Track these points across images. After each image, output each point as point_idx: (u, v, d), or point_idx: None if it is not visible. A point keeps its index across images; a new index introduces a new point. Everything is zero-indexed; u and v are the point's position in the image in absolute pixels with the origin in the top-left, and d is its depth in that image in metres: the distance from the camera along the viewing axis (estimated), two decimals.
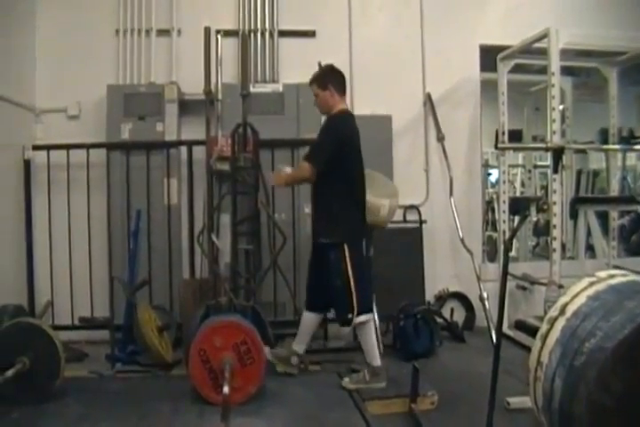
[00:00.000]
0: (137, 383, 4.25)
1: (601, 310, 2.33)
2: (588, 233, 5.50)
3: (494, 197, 7.40)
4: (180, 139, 5.37)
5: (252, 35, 5.64)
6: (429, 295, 5.61)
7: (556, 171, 4.62)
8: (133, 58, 5.59)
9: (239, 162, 4.61)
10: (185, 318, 4.82)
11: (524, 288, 5.55)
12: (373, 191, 4.32)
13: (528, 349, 3.70)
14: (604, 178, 7.27)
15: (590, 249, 5.96)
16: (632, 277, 2.56)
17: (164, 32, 5.63)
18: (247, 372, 3.71)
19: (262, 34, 5.66)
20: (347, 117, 4.34)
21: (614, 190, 6.42)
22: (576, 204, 5.57)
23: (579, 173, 7.98)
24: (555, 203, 4.63)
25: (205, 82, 4.84)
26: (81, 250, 5.31)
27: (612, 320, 2.26)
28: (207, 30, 4.83)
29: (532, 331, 3.63)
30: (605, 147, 6.35)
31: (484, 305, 5.16)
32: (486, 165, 7.85)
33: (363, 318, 4.10)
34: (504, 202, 5.57)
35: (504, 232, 5.51)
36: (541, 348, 2.48)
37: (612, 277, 2.54)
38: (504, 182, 5.68)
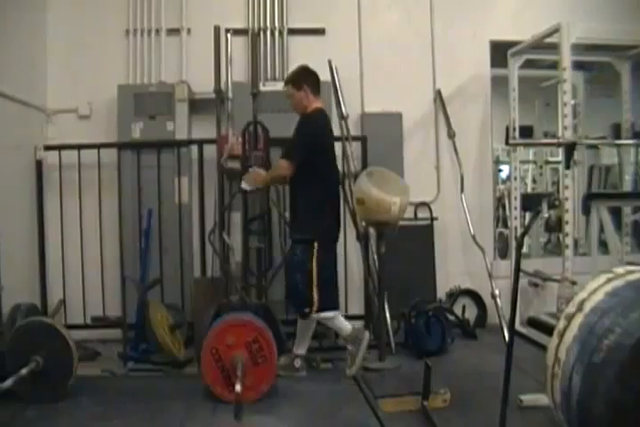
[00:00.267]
0: (149, 382, 4.27)
1: (619, 307, 2.31)
2: (601, 229, 5.46)
3: (505, 193, 7.37)
4: (190, 138, 5.40)
5: (262, 33, 5.65)
6: (441, 293, 5.61)
7: (568, 166, 4.59)
8: (143, 57, 5.61)
9: (250, 160, 4.62)
10: (197, 317, 4.81)
11: (535, 285, 5.52)
12: (384, 189, 4.31)
13: (541, 346, 3.71)
14: (616, 173, 7.22)
15: (603, 245, 5.91)
16: None
17: (173, 31, 5.65)
18: (259, 370, 3.73)
19: (272, 32, 5.66)
20: (321, 116, 4.38)
21: (627, 186, 6.37)
22: (588, 199, 5.53)
23: (591, 168, 7.92)
24: (567, 199, 4.61)
25: (215, 81, 4.85)
26: (93, 249, 5.35)
27: (630, 317, 2.24)
28: (217, 29, 4.84)
29: (544, 328, 3.62)
30: (618, 142, 6.31)
31: (495, 302, 5.14)
32: (497, 162, 7.81)
33: (330, 314, 4.21)
34: (515, 198, 5.54)
35: (515, 229, 5.49)
36: (559, 344, 2.46)
37: (630, 273, 2.51)
38: (515, 179, 5.65)
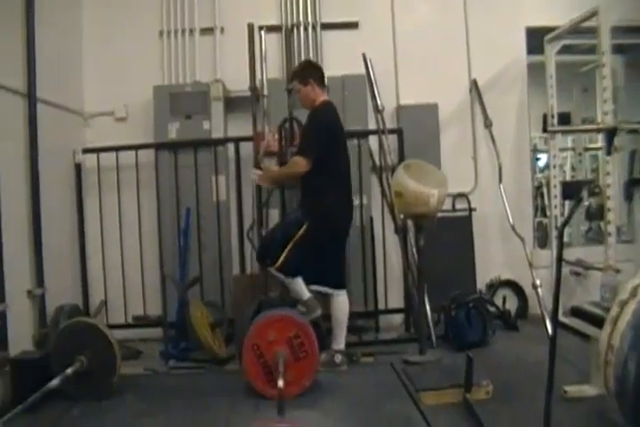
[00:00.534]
0: (191, 379, 4.32)
1: None
2: None
3: (543, 181, 7.27)
4: (226, 136, 5.44)
5: (295, 29, 5.66)
6: (481, 284, 5.57)
7: (609, 152, 4.50)
8: (178, 58, 5.67)
9: (286, 156, 4.64)
10: (237, 314, 4.87)
11: (577, 274, 5.45)
12: (422, 181, 4.29)
13: (584, 336, 3.66)
14: None
15: None
16: None
17: (207, 31, 5.69)
18: (301, 365, 3.75)
19: (305, 28, 5.67)
20: (329, 109, 4.35)
21: None
22: (631, 186, 5.44)
23: (632, 154, 7.76)
24: (608, 185, 4.52)
25: (250, 78, 4.89)
26: (132, 250, 5.45)
27: None
28: (250, 27, 4.87)
29: (589, 317, 3.57)
30: None
31: (537, 292, 5.08)
32: (534, 150, 7.70)
33: (288, 280, 4.22)
34: (555, 186, 5.46)
35: (555, 217, 5.42)
36: (612, 331, 2.44)
37: None
38: (554, 167, 5.57)
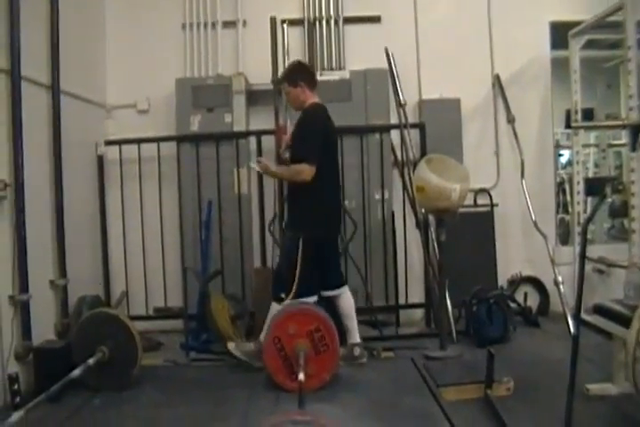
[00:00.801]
0: (211, 371, 4.34)
1: None
2: None
3: (565, 178, 7.21)
4: (248, 129, 5.44)
5: (318, 23, 5.64)
6: (502, 280, 5.54)
7: (633, 149, 4.45)
8: (200, 51, 5.68)
9: None
10: (257, 307, 4.89)
11: (600, 271, 5.40)
12: (444, 176, 4.27)
13: (607, 334, 3.63)
14: None
15: None
16: None
17: (229, 24, 5.69)
18: (321, 359, 3.77)
19: (327, 21, 5.64)
20: (321, 110, 4.25)
21: None
22: None
23: None
24: (633, 182, 4.48)
25: (273, 72, 4.88)
26: (154, 242, 5.47)
27: None
28: (273, 20, 4.88)
29: (612, 315, 3.54)
30: None
31: (558, 289, 5.05)
32: (557, 146, 7.65)
33: (302, 300, 4.11)
34: (578, 183, 5.42)
35: (578, 214, 5.38)
36: None
37: None
38: (577, 163, 5.52)
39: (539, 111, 5.76)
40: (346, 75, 5.40)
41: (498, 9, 5.68)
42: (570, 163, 6.03)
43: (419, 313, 5.46)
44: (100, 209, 5.40)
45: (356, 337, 4.33)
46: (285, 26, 4.92)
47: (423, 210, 5.00)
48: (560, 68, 5.73)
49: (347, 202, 5.16)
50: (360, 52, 5.56)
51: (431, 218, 4.99)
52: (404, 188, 5.29)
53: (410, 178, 5.09)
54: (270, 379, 3.84)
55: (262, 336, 4.12)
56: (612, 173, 7.86)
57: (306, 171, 4.01)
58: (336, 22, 5.65)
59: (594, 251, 5.48)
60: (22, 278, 3.93)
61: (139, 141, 5.38)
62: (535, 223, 5.34)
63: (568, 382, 2.77)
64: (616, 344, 3.41)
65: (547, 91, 5.75)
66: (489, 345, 4.06)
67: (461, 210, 4.72)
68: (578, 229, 5.28)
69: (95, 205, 5.37)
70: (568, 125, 5.79)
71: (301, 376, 3.33)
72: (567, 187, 6.99)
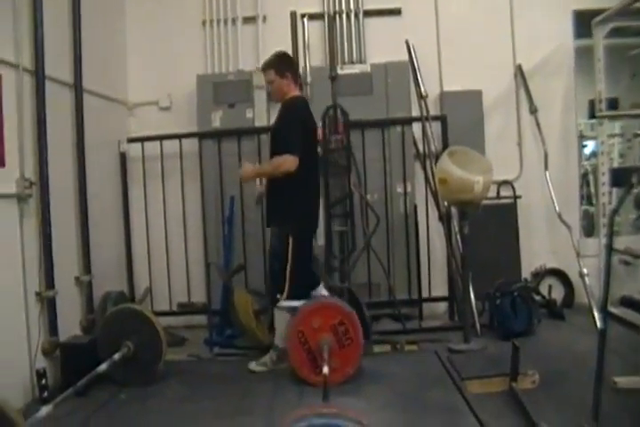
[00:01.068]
0: (235, 366, 4.35)
1: None
2: None
3: (589, 169, 7.13)
4: (269, 124, 5.42)
5: (338, 16, 5.62)
6: (526, 272, 5.50)
7: None
8: (221, 47, 5.70)
9: (330, 144, 4.64)
10: None
11: (627, 263, 5.34)
12: (467, 168, 4.25)
13: (634, 326, 3.59)
14: None
15: None
16: None
17: (249, 19, 5.69)
18: (345, 352, 3.77)
19: (347, 15, 5.62)
20: (300, 102, 4.20)
21: None
22: None
23: None
24: None
25: None
26: (177, 237, 5.51)
27: None
28: (293, 15, 4.87)
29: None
30: None
31: (583, 282, 5.01)
32: (581, 137, 7.56)
33: (294, 303, 3.99)
34: (603, 174, 5.34)
35: (604, 205, 5.31)
36: None
37: None
38: (602, 153, 5.45)
39: (562, 101, 5.69)
40: (367, 68, 5.38)
41: None
42: (594, 154, 5.95)
43: (442, 306, 5.44)
44: (123, 206, 5.45)
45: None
46: (305, 20, 4.91)
47: (446, 203, 4.98)
48: (583, 57, 5.65)
49: (369, 195, 5.15)
50: (380, 45, 5.53)
51: (454, 211, 4.97)
52: (427, 180, 5.27)
53: (432, 171, 5.07)
54: (294, 373, 3.86)
55: (276, 341, 4.13)
56: (637, 163, 7.75)
57: (289, 161, 3.93)
58: (356, 15, 5.63)
59: (619, 242, 5.37)
60: (48, 275, 3.98)
61: (161, 138, 5.41)
62: (559, 215, 5.29)
63: (595, 374, 2.75)
64: None
65: (570, 80, 5.68)
66: (513, 338, 4.02)
67: (484, 202, 4.69)
68: (603, 221, 5.20)
69: (118, 202, 5.42)
70: (592, 115, 5.71)
71: (325, 370, 3.34)
72: (591, 178, 6.90)
